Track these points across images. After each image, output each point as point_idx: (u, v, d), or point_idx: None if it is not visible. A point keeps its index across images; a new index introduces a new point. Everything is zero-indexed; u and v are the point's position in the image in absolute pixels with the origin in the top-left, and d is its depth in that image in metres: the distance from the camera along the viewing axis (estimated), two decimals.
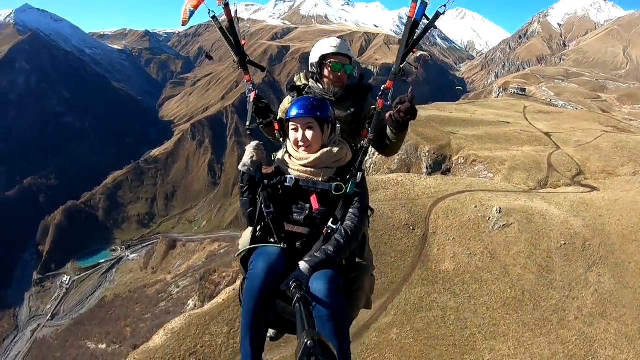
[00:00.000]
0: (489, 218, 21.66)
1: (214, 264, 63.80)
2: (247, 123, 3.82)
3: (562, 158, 36.15)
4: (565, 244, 19.62)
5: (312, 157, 3.16)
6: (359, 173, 3.19)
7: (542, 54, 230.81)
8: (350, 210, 3.10)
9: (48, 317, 79.36)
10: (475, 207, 22.78)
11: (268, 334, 3.55)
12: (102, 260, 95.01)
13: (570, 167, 34.41)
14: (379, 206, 21.72)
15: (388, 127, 3.48)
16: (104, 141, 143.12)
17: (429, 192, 24.56)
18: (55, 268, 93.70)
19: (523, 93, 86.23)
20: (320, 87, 3.74)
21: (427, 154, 40.19)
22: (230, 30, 3.77)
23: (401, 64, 3.43)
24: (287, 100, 3.83)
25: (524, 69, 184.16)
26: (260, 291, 2.72)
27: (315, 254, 2.88)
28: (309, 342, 1.80)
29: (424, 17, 3.28)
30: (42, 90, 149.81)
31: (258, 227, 3.26)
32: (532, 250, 19.33)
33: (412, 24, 3.29)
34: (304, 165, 3.18)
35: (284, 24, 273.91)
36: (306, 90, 3.80)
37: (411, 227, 20.97)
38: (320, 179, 3.14)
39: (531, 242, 19.78)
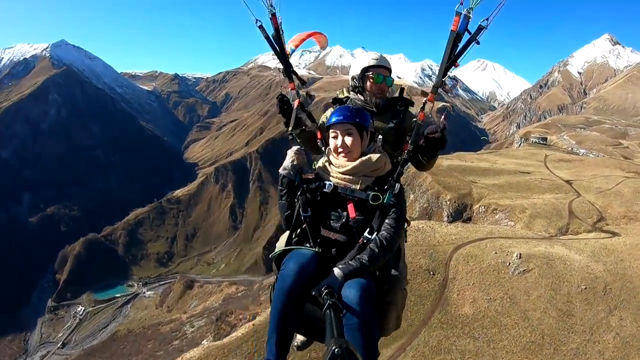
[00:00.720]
0: (509, 264, 21.67)
1: (230, 306, 63.61)
2: (290, 128, 3.88)
3: (583, 205, 35.90)
4: (586, 288, 19.47)
5: (351, 164, 3.21)
6: (397, 184, 3.21)
7: (563, 103, 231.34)
8: (387, 220, 3.11)
9: (59, 345, 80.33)
10: (496, 253, 22.82)
11: (295, 343, 3.73)
12: (118, 295, 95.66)
13: (592, 213, 34.11)
14: None
15: (421, 153, 3.53)
16: (129, 177, 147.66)
17: (449, 238, 24.71)
18: (71, 297, 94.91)
19: (544, 142, 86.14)
20: (362, 98, 3.87)
21: (448, 202, 40.49)
22: (277, 40, 3.82)
23: (443, 77, 3.47)
24: (330, 111, 3.88)
25: (545, 118, 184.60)
26: (289, 291, 2.73)
27: (350, 262, 2.88)
28: (336, 350, 1.80)
29: (466, 32, 3.30)
30: (72, 123, 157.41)
31: (295, 231, 3.30)
32: (553, 294, 19.20)
33: (455, 38, 3.31)
34: (343, 173, 3.22)
35: (309, 73, 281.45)
36: (347, 102, 3.93)
37: (431, 272, 21.12)
38: (358, 187, 3.16)
39: (551, 287, 19.66)
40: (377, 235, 3.03)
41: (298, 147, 3.55)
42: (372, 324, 2.67)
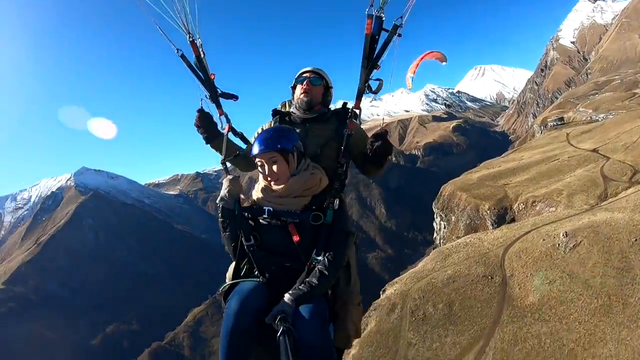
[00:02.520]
0: (558, 245, 22.49)
1: None
2: (222, 157, 3.76)
3: (614, 166, 36.49)
4: (636, 240, 20.12)
5: (282, 187, 3.18)
6: (335, 200, 3.20)
7: (568, 77, 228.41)
8: (332, 238, 3.10)
9: None
10: (543, 240, 23.71)
11: None
12: None
13: (625, 171, 34.64)
14: (454, 269, 23.41)
15: (369, 162, 3.54)
16: (177, 281, 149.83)
17: (497, 242, 25.73)
18: None
19: (562, 122, 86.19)
20: (296, 109, 3.80)
21: (488, 212, 41.28)
22: (199, 67, 3.73)
23: (365, 83, 3.47)
24: (262, 129, 3.84)
25: (557, 98, 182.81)
26: (233, 330, 2.70)
27: (300, 287, 2.89)
28: None
29: (383, 31, 3.33)
30: (110, 243, 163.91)
31: (243, 260, 3.27)
32: (607, 257, 19.90)
33: (371, 40, 3.32)
34: (278, 196, 3.20)
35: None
36: (289, 117, 3.82)
37: (489, 277, 22.20)
38: (296, 209, 3.16)
39: (603, 251, 20.35)
40: (324, 255, 3.06)
41: (233, 175, 3.48)
42: (327, 346, 2.69)
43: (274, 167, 3.20)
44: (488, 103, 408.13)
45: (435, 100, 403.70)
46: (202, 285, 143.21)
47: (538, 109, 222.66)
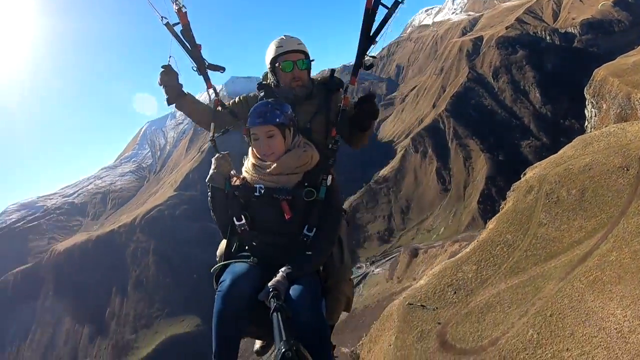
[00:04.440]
0: None
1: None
2: (211, 134, 3.74)
3: None
4: None
5: (276, 164, 3.06)
6: (329, 176, 3.15)
7: None
8: (324, 214, 3.07)
9: None
10: None
11: (254, 348, 3.68)
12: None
13: None
14: (592, 157, 22.90)
15: (353, 127, 3.42)
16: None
17: None
18: None
19: None
20: (282, 92, 3.58)
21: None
22: (187, 36, 3.60)
23: (362, 58, 3.38)
24: (250, 97, 3.80)
25: None
26: (224, 316, 2.67)
27: (292, 263, 2.82)
28: (286, 352, 1.80)
29: (381, 6, 3.20)
30: None
31: (233, 238, 3.21)
32: None
33: (370, 15, 3.22)
34: (270, 173, 3.08)
35: (468, 15, 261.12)
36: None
37: (625, 168, 21.41)
38: (289, 186, 3.06)
39: None
40: (316, 231, 3.03)
41: (222, 153, 3.41)
42: (320, 322, 2.68)
43: (270, 142, 3.09)
44: None
45: None
46: (357, 176, 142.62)
47: None
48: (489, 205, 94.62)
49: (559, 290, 14.34)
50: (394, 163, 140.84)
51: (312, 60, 3.63)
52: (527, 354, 12.09)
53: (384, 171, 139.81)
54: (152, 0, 3.35)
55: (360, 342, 22.83)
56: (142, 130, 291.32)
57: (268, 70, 3.65)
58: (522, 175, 25.73)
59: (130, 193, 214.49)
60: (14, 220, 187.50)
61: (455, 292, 17.09)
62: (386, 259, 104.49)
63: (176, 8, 3.51)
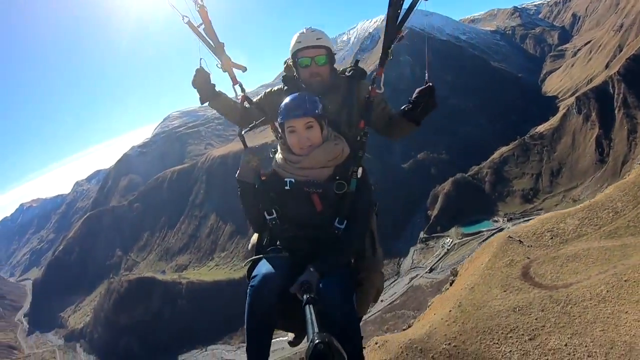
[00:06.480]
0: None
1: None
2: (239, 129, 3.62)
3: None
4: None
5: (308, 157, 2.96)
6: (359, 168, 3.04)
7: None
8: (355, 207, 2.95)
9: (426, 270, 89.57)
10: None
11: (286, 338, 3.73)
12: (484, 229, 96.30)
13: None
14: None
15: (403, 121, 3.33)
16: (488, 119, 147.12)
17: None
18: (440, 230, 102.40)
19: None
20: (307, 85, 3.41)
21: None
22: (209, 34, 3.48)
23: (388, 48, 3.32)
24: (274, 91, 3.65)
25: None
26: (256, 312, 2.64)
27: (324, 256, 2.76)
28: (318, 344, 1.76)
29: None
30: (424, 77, 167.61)
31: (265, 233, 3.17)
32: None
33: (396, 3, 3.14)
34: (302, 167, 2.99)
35: None
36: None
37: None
38: (320, 179, 2.96)
39: None
40: (347, 224, 2.92)
41: (250, 148, 3.32)
42: (352, 315, 2.64)
43: (309, 134, 2.97)
44: None
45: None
46: (511, 125, 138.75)
47: None
48: None
49: None
50: (553, 121, 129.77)
51: (335, 54, 3.57)
52: (590, 303, 12.07)
53: (542, 128, 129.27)
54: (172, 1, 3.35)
55: (465, 260, 23.42)
56: None
57: (289, 63, 3.61)
58: None
59: None
60: (175, 125, 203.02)
61: (552, 238, 17.67)
62: (525, 219, 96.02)
63: (198, 7, 3.43)
